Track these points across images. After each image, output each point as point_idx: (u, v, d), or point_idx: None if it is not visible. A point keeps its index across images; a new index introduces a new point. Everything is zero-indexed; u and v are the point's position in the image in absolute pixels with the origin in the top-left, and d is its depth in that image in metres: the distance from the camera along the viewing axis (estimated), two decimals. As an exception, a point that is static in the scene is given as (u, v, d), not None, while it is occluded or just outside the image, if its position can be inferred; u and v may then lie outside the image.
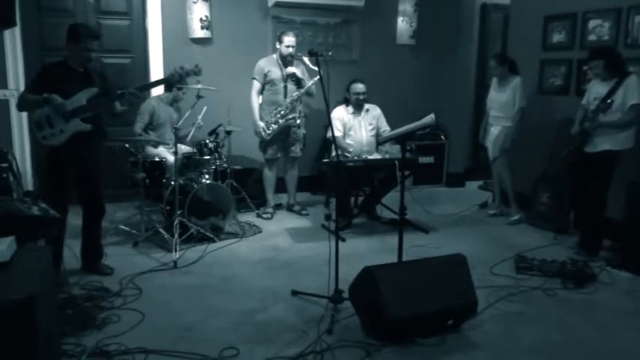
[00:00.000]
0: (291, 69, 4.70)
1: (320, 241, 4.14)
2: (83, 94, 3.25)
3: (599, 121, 3.79)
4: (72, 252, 3.52)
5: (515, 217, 4.88)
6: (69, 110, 3.20)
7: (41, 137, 3.25)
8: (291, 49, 4.68)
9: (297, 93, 4.70)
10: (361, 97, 4.71)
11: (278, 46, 4.76)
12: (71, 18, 4.99)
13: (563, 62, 4.82)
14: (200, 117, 4.52)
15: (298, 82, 4.73)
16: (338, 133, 4.70)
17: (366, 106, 4.80)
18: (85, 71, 3.34)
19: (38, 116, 3.22)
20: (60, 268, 3.32)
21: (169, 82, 3.61)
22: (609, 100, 3.71)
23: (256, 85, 4.78)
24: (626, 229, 3.76)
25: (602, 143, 3.81)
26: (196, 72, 3.62)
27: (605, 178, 3.84)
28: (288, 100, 4.72)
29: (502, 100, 4.72)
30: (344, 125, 4.76)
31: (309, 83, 4.72)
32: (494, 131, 4.85)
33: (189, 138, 4.49)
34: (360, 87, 4.70)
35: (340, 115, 4.77)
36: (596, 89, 3.90)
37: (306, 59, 4.63)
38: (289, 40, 4.69)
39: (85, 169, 3.41)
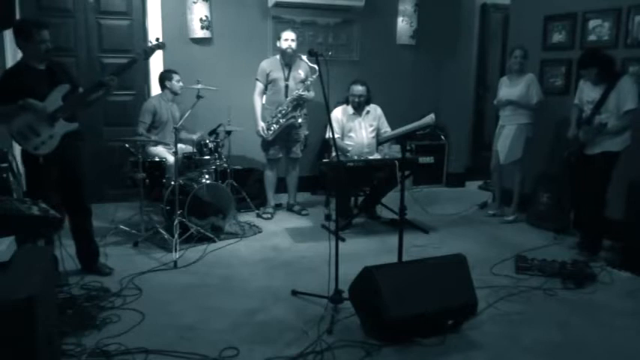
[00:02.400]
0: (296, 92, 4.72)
1: (320, 241, 4.14)
2: (57, 93, 3.11)
3: (592, 133, 3.78)
4: (73, 252, 3.50)
5: (510, 218, 4.89)
6: (50, 113, 3.06)
7: (33, 148, 3.06)
8: (290, 43, 4.69)
9: (297, 92, 4.70)
10: (357, 99, 4.68)
11: (279, 45, 4.77)
12: (71, 18, 5.00)
13: (563, 62, 4.82)
14: (202, 133, 4.59)
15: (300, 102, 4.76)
16: (335, 135, 4.69)
17: (367, 107, 4.79)
18: (46, 68, 3.17)
19: (19, 127, 3.03)
20: (59, 268, 3.32)
21: (137, 61, 3.45)
22: (604, 122, 3.71)
23: (259, 85, 4.79)
24: (626, 229, 3.77)
25: (602, 145, 3.80)
26: (159, 45, 3.53)
27: (605, 178, 3.84)
28: (288, 99, 4.73)
29: (515, 95, 4.65)
30: (342, 127, 4.75)
31: (308, 82, 4.73)
32: (508, 132, 4.72)
33: (195, 139, 4.52)
34: (358, 89, 4.68)
35: (338, 116, 4.75)
36: (589, 92, 3.89)
37: (304, 57, 4.66)
38: (287, 34, 4.72)
39: (71, 170, 3.30)
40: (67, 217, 3.40)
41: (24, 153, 3.18)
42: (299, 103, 4.75)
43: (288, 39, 4.70)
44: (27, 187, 3.28)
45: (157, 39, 3.57)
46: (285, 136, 4.87)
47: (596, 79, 3.80)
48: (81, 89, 3.33)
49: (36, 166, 3.13)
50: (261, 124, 4.76)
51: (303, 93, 4.71)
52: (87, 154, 3.50)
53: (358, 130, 4.78)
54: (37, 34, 3.06)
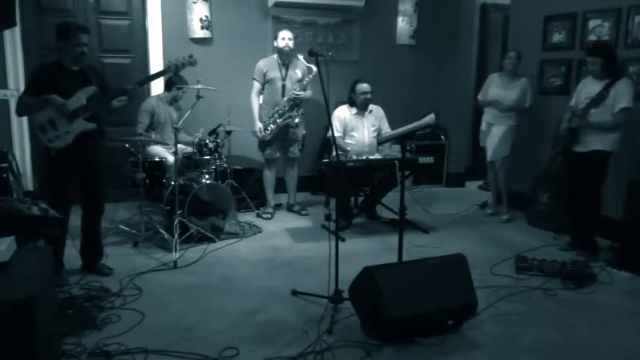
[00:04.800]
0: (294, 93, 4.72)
1: (320, 241, 4.14)
2: (82, 93, 3.23)
3: (588, 121, 3.78)
4: (73, 252, 3.51)
5: (505, 217, 4.91)
6: (71, 111, 3.19)
7: (47, 140, 3.21)
8: (287, 41, 4.71)
9: (294, 92, 4.70)
10: (369, 96, 4.70)
11: (275, 44, 4.78)
12: (71, 18, 4.99)
13: (563, 62, 4.82)
14: (200, 132, 4.54)
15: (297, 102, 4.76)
16: (337, 134, 4.70)
17: (370, 106, 4.80)
18: (80, 70, 3.30)
19: (41, 119, 3.19)
20: (60, 269, 3.32)
21: (166, 74, 3.61)
22: (605, 92, 3.69)
23: (256, 85, 4.80)
24: (625, 228, 3.76)
25: (594, 143, 3.79)
26: (191, 62, 3.59)
27: (599, 175, 3.83)
28: (285, 98, 4.73)
29: (511, 98, 4.69)
30: (344, 126, 4.75)
31: (305, 81, 4.73)
32: (498, 131, 4.79)
33: (191, 140, 4.51)
34: (365, 87, 4.69)
35: (341, 114, 4.76)
36: (587, 89, 3.89)
37: (301, 57, 4.67)
38: (284, 33, 4.74)
39: (88, 169, 3.40)
40: (82, 214, 3.49)
41: (43, 146, 3.30)
42: (296, 102, 4.75)
43: (285, 38, 4.71)
44: (44, 180, 3.42)
45: (190, 55, 3.62)
46: (282, 136, 4.87)
47: (599, 73, 3.79)
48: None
49: (51, 160, 3.25)
50: (259, 125, 4.77)
51: (299, 93, 4.71)
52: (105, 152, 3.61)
53: (360, 129, 4.77)
54: (75, 36, 3.20)
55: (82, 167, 3.37)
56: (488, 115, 4.92)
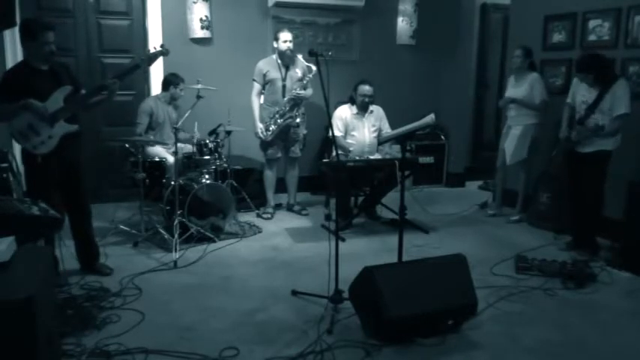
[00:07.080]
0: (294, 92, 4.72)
1: (320, 241, 4.14)
2: (58, 94, 3.12)
3: (587, 131, 3.78)
4: (71, 252, 3.51)
5: (516, 217, 4.89)
6: (50, 114, 3.08)
7: (31, 147, 3.09)
8: (289, 44, 4.70)
9: (294, 91, 4.70)
10: (367, 99, 4.69)
11: (276, 45, 4.77)
12: (71, 18, 5.01)
13: (563, 62, 4.82)
14: (195, 129, 4.49)
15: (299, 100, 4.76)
16: (338, 133, 4.69)
17: (371, 107, 4.80)
18: (50, 69, 3.17)
19: (19, 126, 3.05)
20: (59, 268, 3.32)
21: (140, 66, 3.50)
22: (602, 125, 3.69)
23: (256, 86, 4.80)
24: (625, 229, 3.76)
25: (596, 144, 3.80)
26: (164, 52, 3.54)
27: (601, 174, 3.84)
28: (285, 98, 4.73)
29: (519, 96, 4.67)
30: (345, 125, 4.75)
31: (305, 80, 4.74)
32: (516, 132, 4.75)
33: (193, 141, 4.50)
34: (367, 89, 4.68)
35: (343, 114, 4.75)
36: (583, 92, 3.89)
37: (299, 56, 4.67)
38: (285, 35, 4.72)
39: (71, 171, 3.31)
40: (67, 217, 3.41)
41: (24, 152, 3.21)
42: (296, 102, 4.75)
43: (286, 40, 4.70)
44: (27, 186, 3.31)
45: (162, 45, 3.57)
46: (283, 136, 4.87)
47: (594, 83, 3.80)
48: (83, 91, 3.33)
49: (35, 166, 3.15)
50: (260, 126, 4.77)
51: (300, 92, 4.71)
52: (85, 154, 3.51)
53: (361, 129, 4.77)
54: (41, 36, 3.06)
55: (64, 169, 3.26)
56: (507, 117, 4.90)
